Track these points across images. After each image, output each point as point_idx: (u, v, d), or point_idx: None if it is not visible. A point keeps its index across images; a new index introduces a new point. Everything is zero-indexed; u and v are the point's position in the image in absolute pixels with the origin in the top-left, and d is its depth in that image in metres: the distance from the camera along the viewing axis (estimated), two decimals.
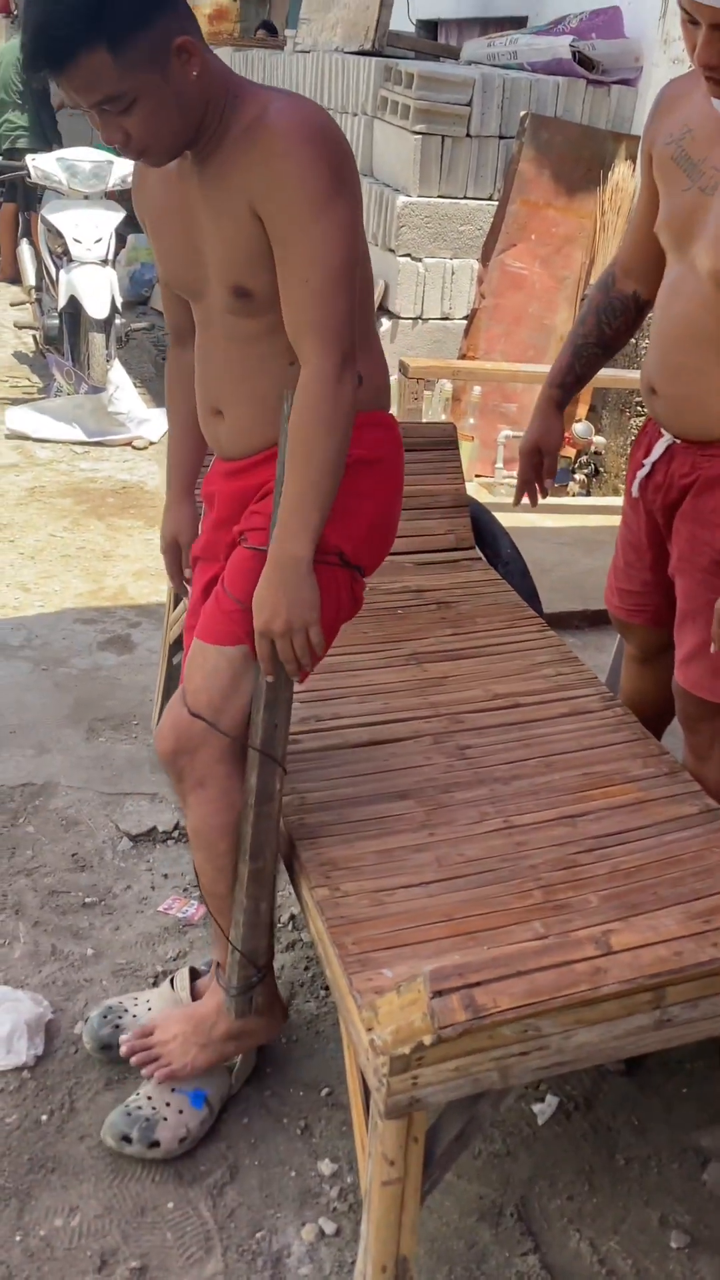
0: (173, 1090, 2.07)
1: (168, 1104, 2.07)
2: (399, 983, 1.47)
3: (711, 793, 2.19)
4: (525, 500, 2.60)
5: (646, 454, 2.34)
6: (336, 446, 1.76)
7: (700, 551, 2.23)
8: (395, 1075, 1.47)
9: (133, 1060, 2.12)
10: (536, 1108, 2.19)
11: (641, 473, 2.36)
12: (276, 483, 1.84)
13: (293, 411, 1.77)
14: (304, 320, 1.75)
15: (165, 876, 2.77)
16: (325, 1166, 2.07)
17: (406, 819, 2.02)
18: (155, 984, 2.43)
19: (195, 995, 2.23)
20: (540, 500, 2.63)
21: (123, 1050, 2.14)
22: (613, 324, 2.44)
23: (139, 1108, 2.07)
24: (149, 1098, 2.08)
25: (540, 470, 2.57)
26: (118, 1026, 2.25)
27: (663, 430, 2.29)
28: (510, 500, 2.68)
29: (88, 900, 2.69)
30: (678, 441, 2.25)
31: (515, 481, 2.62)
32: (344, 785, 2.10)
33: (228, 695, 1.90)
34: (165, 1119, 2.05)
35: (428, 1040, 1.36)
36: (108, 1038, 2.24)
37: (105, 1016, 2.26)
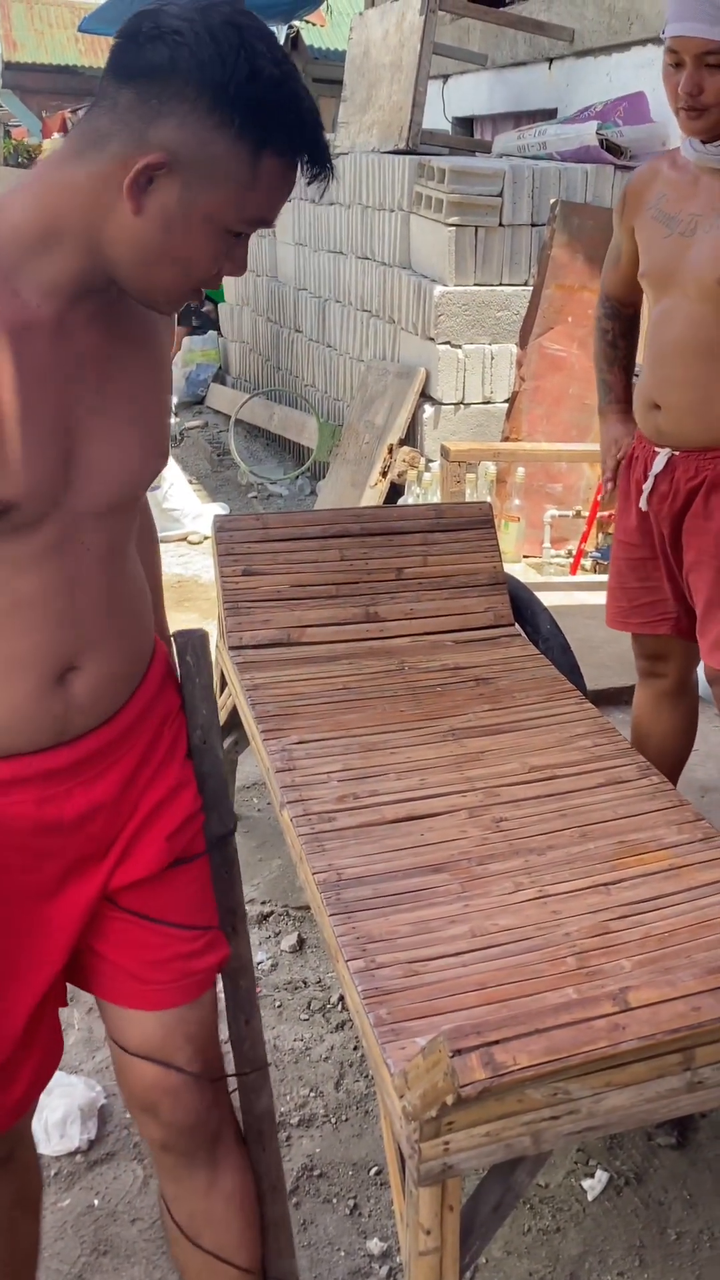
0: None
1: None
2: (424, 1047, 1.49)
3: None
4: (573, 577, 2.84)
5: (644, 472, 2.62)
6: None
7: (717, 543, 2.53)
8: (426, 1141, 1.48)
9: None
10: (586, 1183, 2.17)
11: (647, 486, 2.62)
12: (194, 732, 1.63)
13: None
14: None
15: None
16: (374, 1245, 2.07)
17: (441, 891, 2.04)
18: None
19: None
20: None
21: None
22: (632, 339, 2.96)
23: None
24: None
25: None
26: None
27: (658, 448, 2.58)
28: (560, 580, 2.88)
29: None
30: (677, 453, 2.54)
31: (563, 561, 2.82)
32: (379, 860, 2.12)
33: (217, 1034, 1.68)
34: None
35: (449, 1100, 1.37)
36: None
37: None
